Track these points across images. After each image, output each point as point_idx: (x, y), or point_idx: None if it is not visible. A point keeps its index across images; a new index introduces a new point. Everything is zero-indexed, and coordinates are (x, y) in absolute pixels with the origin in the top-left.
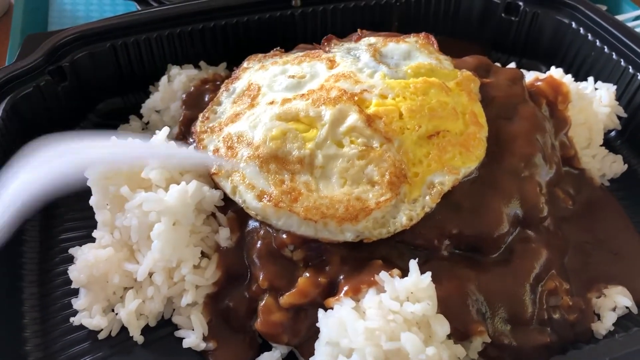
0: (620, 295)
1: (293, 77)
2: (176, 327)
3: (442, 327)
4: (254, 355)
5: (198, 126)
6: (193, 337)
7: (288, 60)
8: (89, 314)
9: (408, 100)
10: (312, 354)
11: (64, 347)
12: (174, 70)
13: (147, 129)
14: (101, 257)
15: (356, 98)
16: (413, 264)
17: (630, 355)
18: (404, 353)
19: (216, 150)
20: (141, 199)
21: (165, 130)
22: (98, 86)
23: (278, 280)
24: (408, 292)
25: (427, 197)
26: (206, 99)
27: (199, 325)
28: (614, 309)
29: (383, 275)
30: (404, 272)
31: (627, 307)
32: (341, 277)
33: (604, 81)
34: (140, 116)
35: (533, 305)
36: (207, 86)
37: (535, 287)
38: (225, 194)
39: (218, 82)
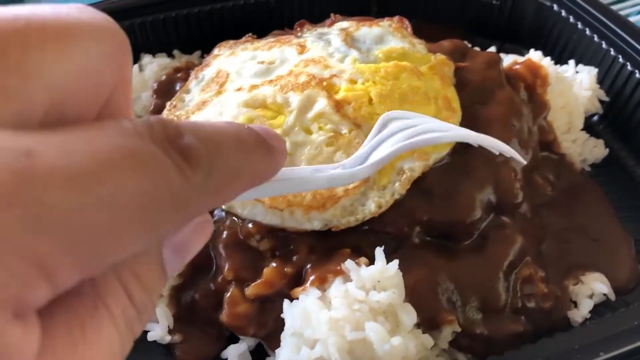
0: (597, 282)
1: (262, 62)
2: None
3: (409, 316)
4: (221, 348)
5: (165, 115)
6: (158, 330)
7: (259, 46)
8: None
9: (378, 85)
10: (280, 345)
11: None
12: (146, 59)
13: None
14: None
15: (325, 83)
16: (379, 252)
17: (601, 343)
18: (369, 343)
19: None
20: None
21: None
22: None
23: (244, 271)
24: (374, 280)
25: (397, 184)
26: (178, 88)
27: (164, 318)
28: (590, 296)
29: (349, 263)
30: (373, 261)
31: (604, 294)
32: (308, 266)
33: (586, 64)
34: None
35: (506, 293)
36: (179, 75)
37: (509, 274)
38: None
39: (191, 71)
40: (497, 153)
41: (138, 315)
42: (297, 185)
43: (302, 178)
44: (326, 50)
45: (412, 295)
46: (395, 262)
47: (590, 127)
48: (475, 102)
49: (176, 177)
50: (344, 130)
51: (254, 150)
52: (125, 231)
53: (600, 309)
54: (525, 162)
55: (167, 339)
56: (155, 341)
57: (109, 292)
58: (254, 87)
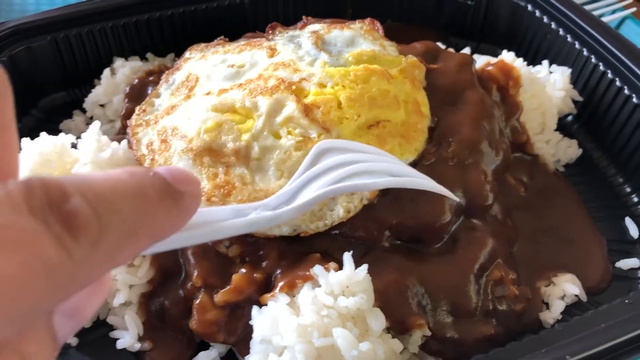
0: (569, 283)
1: (232, 66)
2: (112, 328)
3: (378, 321)
4: (191, 355)
5: (133, 119)
6: (128, 338)
7: (229, 49)
8: None
9: (347, 88)
10: (249, 352)
11: None
12: (118, 62)
13: (91, 123)
14: None
15: (294, 87)
16: (347, 257)
17: (568, 345)
18: (337, 349)
19: (150, 144)
20: None
21: (96, 124)
22: (40, 81)
23: (213, 277)
24: (343, 286)
25: None
26: (149, 91)
27: (134, 326)
28: (562, 297)
29: (317, 269)
30: (342, 267)
31: (576, 295)
32: (278, 272)
33: (560, 64)
34: (85, 111)
35: (477, 296)
36: (151, 78)
37: (479, 277)
38: None
39: (163, 74)
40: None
41: None
42: (212, 232)
43: (218, 224)
44: (296, 53)
45: (382, 299)
46: (365, 267)
47: (564, 127)
48: (446, 104)
49: (54, 253)
50: (313, 135)
51: (156, 204)
52: None
53: (572, 310)
54: (457, 200)
55: (137, 346)
56: (124, 349)
57: None
58: (223, 91)
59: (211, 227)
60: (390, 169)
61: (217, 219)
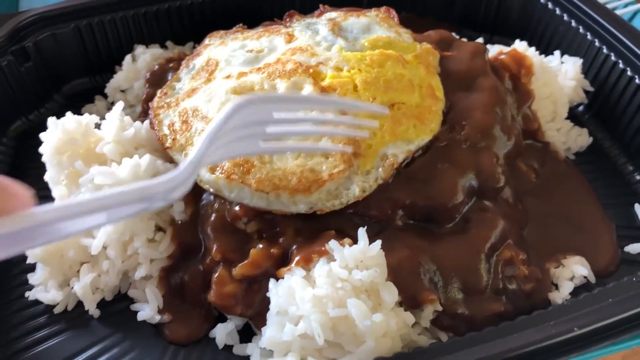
0: (578, 264)
1: (251, 51)
2: (133, 301)
3: (391, 294)
4: (209, 328)
5: (155, 102)
6: (148, 310)
7: (248, 35)
8: (44, 288)
9: (363, 72)
10: (266, 324)
11: (20, 322)
12: (139, 49)
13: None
14: None
15: (311, 71)
16: (362, 232)
17: (577, 318)
18: (351, 319)
19: (171, 125)
20: (94, 173)
21: (120, 104)
22: (63, 67)
23: (231, 252)
24: (357, 260)
25: (380, 169)
26: (169, 77)
27: (154, 298)
28: (571, 279)
29: (333, 243)
30: (357, 243)
31: (584, 277)
32: (294, 247)
33: (571, 55)
34: (106, 96)
35: (488, 274)
36: (171, 65)
37: (490, 256)
38: None
39: (183, 61)
40: None
41: None
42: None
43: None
44: (313, 39)
45: (395, 274)
46: (378, 242)
47: (575, 116)
48: (460, 89)
49: None
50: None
51: None
52: None
53: (581, 291)
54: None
55: (157, 318)
56: (144, 321)
57: None
58: (242, 74)
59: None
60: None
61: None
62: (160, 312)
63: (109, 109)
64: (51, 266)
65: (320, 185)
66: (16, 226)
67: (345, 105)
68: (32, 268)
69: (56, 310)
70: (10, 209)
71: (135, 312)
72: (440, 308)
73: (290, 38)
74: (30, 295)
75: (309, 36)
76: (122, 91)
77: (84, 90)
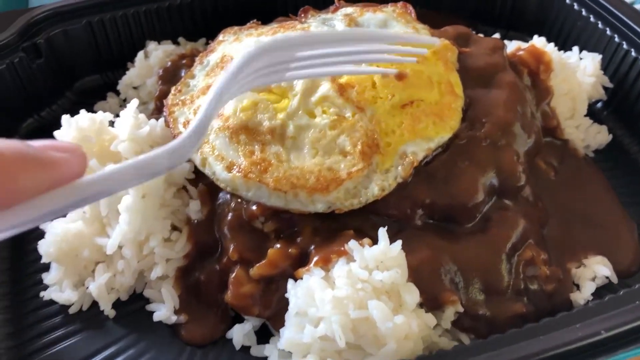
0: (599, 265)
1: None
2: (148, 301)
3: (412, 295)
4: (225, 328)
5: (170, 99)
6: (164, 311)
7: (263, 32)
8: (59, 288)
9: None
10: (284, 325)
11: (35, 322)
12: (151, 45)
13: (125, 105)
14: (70, 231)
15: None
16: (382, 232)
17: (603, 321)
18: (372, 321)
19: (186, 122)
20: None
21: (134, 102)
22: (75, 63)
23: (249, 252)
24: (377, 261)
25: (400, 168)
26: (182, 74)
27: (170, 299)
28: (593, 279)
29: (352, 244)
30: (376, 243)
31: (606, 277)
32: (312, 247)
33: (590, 51)
34: (118, 93)
35: (509, 275)
36: (184, 61)
37: (511, 256)
38: (196, 167)
39: (196, 57)
40: None
41: None
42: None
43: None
44: None
45: (415, 275)
46: (399, 243)
47: (594, 113)
48: (479, 86)
49: None
50: (348, 114)
51: (11, 163)
52: None
53: (603, 292)
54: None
55: (173, 319)
56: (160, 321)
57: None
58: None
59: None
60: None
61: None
62: (176, 312)
63: (122, 106)
64: (66, 266)
65: (339, 184)
66: (65, 201)
67: (385, 37)
68: (46, 268)
69: (71, 311)
70: (60, 181)
71: (151, 313)
72: (461, 309)
73: None
74: (45, 295)
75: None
76: (135, 88)
77: (95, 87)
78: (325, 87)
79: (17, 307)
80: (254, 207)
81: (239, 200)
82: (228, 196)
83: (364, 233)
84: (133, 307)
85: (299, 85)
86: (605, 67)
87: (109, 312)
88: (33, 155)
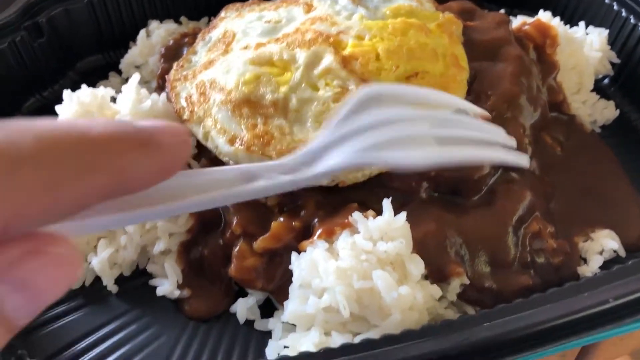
0: (607, 238)
1: (269, 22)
2: (151, 277)
3: (417, 266)
4: (229, 303)
5: (172, 74)
6: (167, 285)
7: (265, 7)
8: None
9: (386, 41)
10: (288, 298)
11: None
12: (153, 24)
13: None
14: None
15: (332, 40)
16: (387, 203)
17: (610, 289)
18: (376, 292)
19: (189, 97)
20: None
21: (136, 77)
22: (77, 43)
23: (252, 225)
24: (382, 232)
25: None
26: (185, 52)
27: (173, 273)
28: (600, 252)
29: (357, 215)
30: (381, 215)
31: (614, 251)
32: (316, 220)
33: (597, 26)
34: (120, 72)
35: (515, 247)
36: (186, 40)
37: (517, 229)
38: (198, 142)
39: (198, 36)
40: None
41: None
42: (208, 201)
43: (215, 193)
44: (333, 8)
45: (420, 248)
46: (404, 214)
47: (601, 89)
48: (484, 59)
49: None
50: (351, 86)
51: (118, 145)
52: None
53: (610, 265)
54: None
55: (176, 293)
56: (163, 296)
57: None
58: (260, 45)
59: (205, 196)
60: (453, 133)
61: (216, 183)
62: (179, 287)
63: (124, 85)
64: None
65: None
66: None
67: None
68: None
69: (74, 286)
70: (167, 171)
71: (154, 288)
72: (467, 281)
73: (309, 8)
74: None
75: (329, 5)
76: (137, 67)
77: (97, 67)
78: (328, 60)
79: None
80: None
81: None
82: None
83: (368, 206)
84: (136, 282)
85: (301, 57)
86: (612, 42)
87: (112, 287)
88: (137, 135)
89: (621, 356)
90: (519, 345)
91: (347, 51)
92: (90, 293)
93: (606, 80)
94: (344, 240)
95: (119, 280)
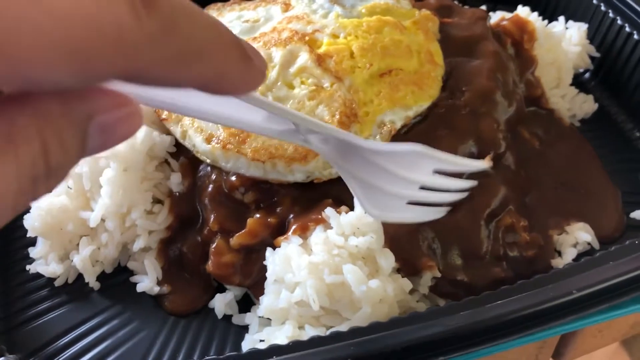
0: (581, 231)
1: (247, 21)
2: (132, 273)
3: (387, 260)
4: (208, 299)
5: None
6: (147, 282)
7: (245, 6)
8: (45, 261)
9: (360, 38)
10: (264, 293)
11: (22, 295)
12: None
13: None
14: (55, 205)
15: (307, 38)
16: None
17: (576, 281)
18: (347, 286)
19: None
20: None
21: None
22: None
23: (229, 222)
24: (354, 227)
25: (378, 136)
26: None
27: (153, 270)
28: (574, 245)
29: (329, 211)
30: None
31: (588, 243)
32: (291, 217)
33: (576, 21)
34: None
35: (487, 241)
36: None
37: (489, 223)
38: (177, 141)
39: None
40: None
41: (47, 173)
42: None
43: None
44: (310, 7)
45: (392, 242)
46: None
47: (581, 83)
48: (460, 55)
49: (126, 11)
50: (326, 84)
51: (227, 46)
52: (52, 49)
53: (584, 257)
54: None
55: (156, 290)
56: (144, 292)
57: (24, 137)
58: None
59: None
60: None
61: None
62: (159, 283)
63: None
64: (51, 240)
65: (317, 154)
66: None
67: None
68: (32, 242)
69: (57, 283)
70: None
71: (135, 284)
72: (439, 274)
73: (287, 7)
74: (31, 268)
75: (306, 4)
76: None
77: None
78: (303, 58)
79: (6, 280)
80: (234, 178)
81: (219, 171)
82: (209, 168)
83: (343, 202)
84: (117, 279)
85: (277, 56)
86: (591, 36)
87: (94, 284)
88: (247, 50)
89: (601, 348)
90: (483, 336)
91: (321, 49)
92: (72, 290)
93: (587, 75)
94: (317, 236)
95: (101, 277)
